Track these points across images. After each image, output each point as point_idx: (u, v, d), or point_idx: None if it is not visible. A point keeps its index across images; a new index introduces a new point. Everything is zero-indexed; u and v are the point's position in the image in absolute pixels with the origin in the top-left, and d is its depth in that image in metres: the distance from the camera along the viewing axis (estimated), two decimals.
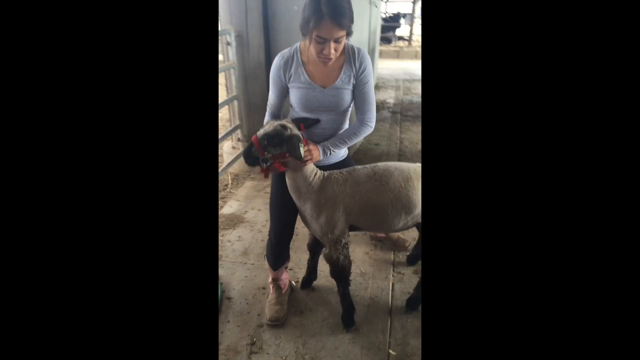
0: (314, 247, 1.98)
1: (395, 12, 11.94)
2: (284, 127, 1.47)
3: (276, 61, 1.59)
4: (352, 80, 1.57)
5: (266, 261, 2.00)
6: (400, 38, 11.62)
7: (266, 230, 2.62)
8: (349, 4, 1.37)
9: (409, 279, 2.14)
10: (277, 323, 1.85)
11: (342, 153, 1.79)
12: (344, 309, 1.83)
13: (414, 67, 8.77)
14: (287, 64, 1.56)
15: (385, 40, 10.88)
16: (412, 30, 11.30)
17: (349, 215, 1.61)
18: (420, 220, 1.73)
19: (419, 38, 11.97)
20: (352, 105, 1.66)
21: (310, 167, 1.57)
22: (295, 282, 2.13)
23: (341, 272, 1.73)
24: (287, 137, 1.46)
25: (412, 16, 11.34)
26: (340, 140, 1.65)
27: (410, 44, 11.20)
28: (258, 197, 3.08)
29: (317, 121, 1.59)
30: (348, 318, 1.83)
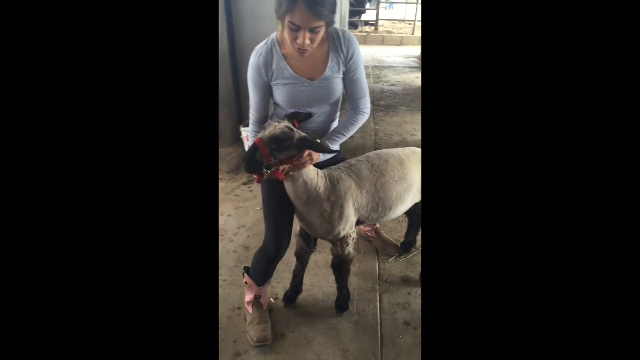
0: (304, 254, 1.80)
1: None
2: (290, 129, 1.31)
3: (253, 61, 1.39)
4: (342, 68, 1.41)
5: (246, 277, 1.77)
6: (367, 23, 11.41)
7: (238, 239, 2.38)
8: None
9: (397, 289, 2.00)
10: (266, 343, 1.67)
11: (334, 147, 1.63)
12: (342, 295, 1.81)
13: (382, 53, 8.62)
14: (266, 61, 1.37)
15: (352, 25, 10.63)
16: (378, 15, 11.11)
17: (357, 210, 1.57)
18: (417, 200, 1.77)
19: (385, 23, 11.83)
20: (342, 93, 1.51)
21: (312, 170, 1.43)
22: (274, 299, 1.93)
23: (347, 264, 1.70)
24: (297, 141, 1.30)
25: (377, 0, 11.13)
26: (338, 133, 1.50)
27: (376, 29, 11.02)
28: (227, 200, 2.82)
29: (309, 115, 1.43)
30: (343, 304, 1.83)
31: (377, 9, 11.13)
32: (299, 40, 1.22)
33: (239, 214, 2.65)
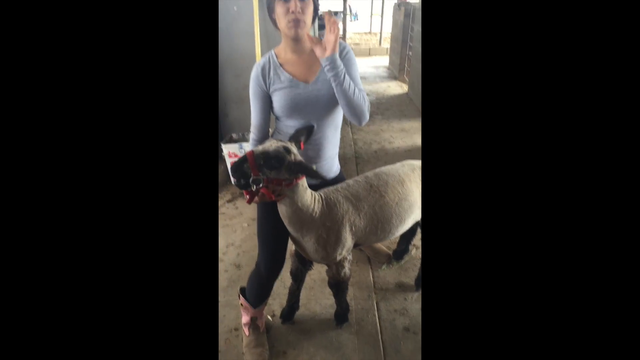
0: (300, 274, 1.77)
1: (327, 10, 11.87)
2: (287, 150, 1.27)
3: (252, 73, 1.45)
4: None
5: (241, 298, 1.73)
6: None
7: (228, 258, 2.33)
8: None
9: (393, 295, 2.01)
10: None
11: (334, 169, 1.62)
12: (341, 308, 1.79)
13: None
14: (264, 70, 1.43)
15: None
16: (345, 28, 11.35)
17: (355, 233, 1.52)
18: (418, 219, 1.71)
19: (353, 35, 12.11)
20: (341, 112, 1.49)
21: (309, 196, 1.38)
22: (272, 317, 1.90)
23: (344, 283, 1.67)
24: (289, 164, 1.26)
25: (343, 13, 11.39)
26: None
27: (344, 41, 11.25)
28: None
29: (312, 127, 1.42)
30: (343, 315, 1.81)
31: (345, 22, 11.39)
32: (292, 7, 1.28)
33: (226, 232, 2.60)
